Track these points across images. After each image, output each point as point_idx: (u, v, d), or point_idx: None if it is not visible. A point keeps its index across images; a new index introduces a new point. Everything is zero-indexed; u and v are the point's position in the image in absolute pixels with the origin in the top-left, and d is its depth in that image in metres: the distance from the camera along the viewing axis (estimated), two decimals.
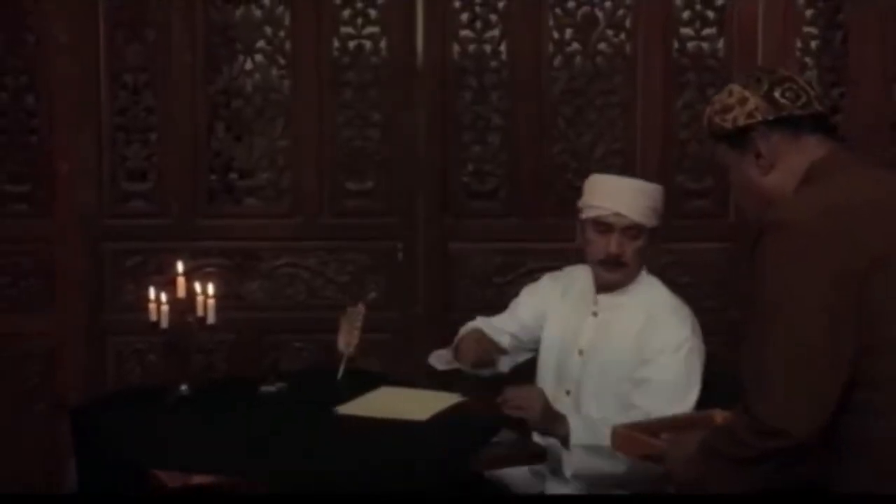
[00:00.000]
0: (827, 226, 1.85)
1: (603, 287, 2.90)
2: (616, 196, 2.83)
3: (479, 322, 3.08)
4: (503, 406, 2.66)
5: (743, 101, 2.02)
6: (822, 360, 1.82)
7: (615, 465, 2.60)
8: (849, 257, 1.82)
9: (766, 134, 2.00)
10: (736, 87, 2.05)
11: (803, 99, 2.00)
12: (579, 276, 3.00)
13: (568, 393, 2.86)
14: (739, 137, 2.02)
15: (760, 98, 2.00)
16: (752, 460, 1.89)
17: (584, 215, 2.89)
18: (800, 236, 1.85)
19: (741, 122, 2.01)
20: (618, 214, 2.81)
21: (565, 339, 2.93)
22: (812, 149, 1.99)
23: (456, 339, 3.00)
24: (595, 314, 2.89)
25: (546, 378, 2.94)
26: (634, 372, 2.75)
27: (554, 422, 2.68)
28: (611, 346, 2.82)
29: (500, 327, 3.04)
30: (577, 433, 2.66)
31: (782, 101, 2.00)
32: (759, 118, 2.00)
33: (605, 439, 2.48)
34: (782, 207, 1.93)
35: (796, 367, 1.82)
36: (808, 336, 1.81)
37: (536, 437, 2.91)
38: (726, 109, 2.04)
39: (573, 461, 2.67)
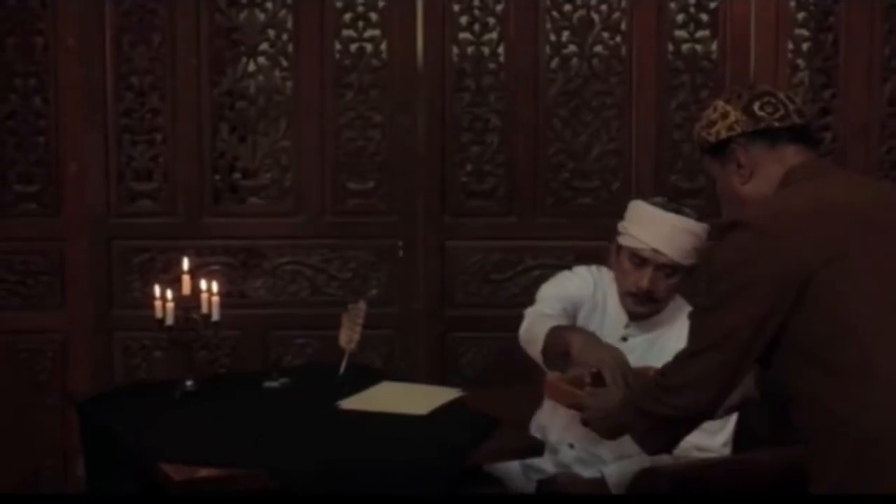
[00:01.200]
0: (778, 226, 1.93)
1: (634, 315, 2.80)
2: (658, 232, 2.69)
3: (544, 310, 2.76)
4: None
5: (725, 115, 2.10)
6: (739, 351, 1.94)
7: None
8: (798, 256, 1.89)
9: (745, 145, 2.07)
10: (720, 103, 2.12)
11: (781, 112, 2.07)
12: (611, 290, 2.84)
13: None
14: (721, 149, 2.10)
15: (740, 112, 2.08)
16: (660, 416, 2.04)
17: (620, 241, 2.77)
18: (753, 235, 1.94)
19: (723, 134, 2.09)
20: (656, 251, 2.68)
21: None
22: (789, 158, 2.06)
23: (543, 340, 2.60)
24: (625, 339, 2.77)
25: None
26: None
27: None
28: (642, 361, 2.72)
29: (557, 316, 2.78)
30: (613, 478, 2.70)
31: (760, 113, 2.07)
32: (739, 130, 2.07)
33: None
34: (747, 210, 2.03)
35: (715, 349, 1.95)
36: (736, 329, 1.93)
37: (534, 432, 2.93)
38: (710, 124, 2.12)
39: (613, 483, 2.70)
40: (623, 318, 2.81)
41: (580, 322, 2.80)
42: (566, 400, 2.40)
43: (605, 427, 2.26)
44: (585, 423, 2.31)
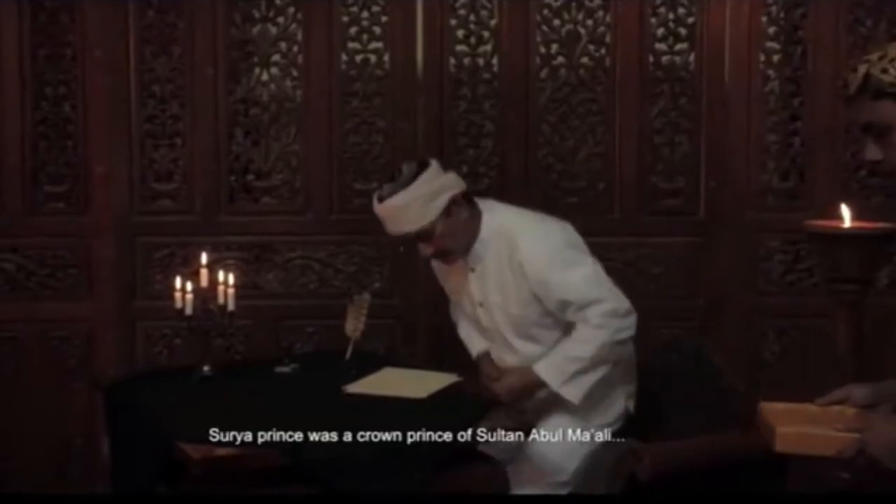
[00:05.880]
0: None
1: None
2: (386, 224, 2.79)
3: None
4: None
5: None
6: None
7: (605, 371, 2.74)
8: None
9: None
10: None
11: None
12: None
13: (494, 341, 2.92)
14: None
15: None
16: None
17: None
18: None
19: None
20: (401, 235, 2.80)
21: (462, 301, 2.98)
22: None
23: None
24: (473, 269, 2.88)
25: (472, 337, 3.00)
26: (534, 287, 2.75)
27: (527, 387, 2.72)
28: (497, 288, 2.84)
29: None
30: (551, 374, 2.73)
31: None
32: None
33: (577, 361, 2.69)
34: None
35: None
36: None
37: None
38: None
39: (570, 394, 2.73)
40: (465, 263, 2.88)
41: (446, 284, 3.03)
42: (828, 448, 1.79)
43: None
44: (870, 462, 1.75)
